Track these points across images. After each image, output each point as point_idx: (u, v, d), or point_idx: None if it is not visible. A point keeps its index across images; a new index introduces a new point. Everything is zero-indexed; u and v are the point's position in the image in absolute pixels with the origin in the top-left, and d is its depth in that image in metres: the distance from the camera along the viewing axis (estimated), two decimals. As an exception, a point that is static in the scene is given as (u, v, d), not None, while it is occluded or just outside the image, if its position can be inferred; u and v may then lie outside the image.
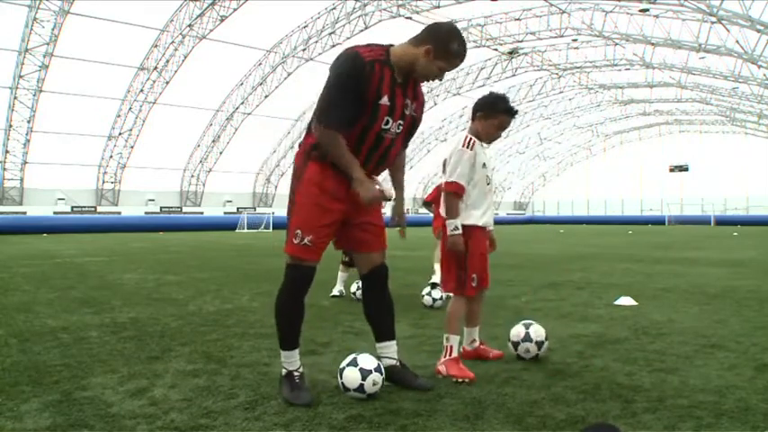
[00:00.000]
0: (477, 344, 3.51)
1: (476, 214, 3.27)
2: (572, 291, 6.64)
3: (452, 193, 3.20)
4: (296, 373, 2.77)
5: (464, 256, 3.22)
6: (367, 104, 2.64)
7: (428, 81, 2.84)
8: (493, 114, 3.24)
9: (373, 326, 3.02)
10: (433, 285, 5.63)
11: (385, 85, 2.67)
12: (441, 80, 2.87)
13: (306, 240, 2.72)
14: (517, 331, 3.43)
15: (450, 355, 3.17)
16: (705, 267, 9.49)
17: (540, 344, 3.38)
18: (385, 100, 2.67)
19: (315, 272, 2.82)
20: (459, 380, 3.01)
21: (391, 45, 2.78)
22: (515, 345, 3.42)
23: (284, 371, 2.80)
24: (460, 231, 3.18)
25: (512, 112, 3.25)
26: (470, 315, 3.46)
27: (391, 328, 3.00)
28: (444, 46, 2.68)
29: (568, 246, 16.52)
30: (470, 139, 3.25)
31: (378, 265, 2.94)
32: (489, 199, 3.35)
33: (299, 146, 2.87)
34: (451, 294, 3.36)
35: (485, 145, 3.33)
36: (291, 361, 2.80)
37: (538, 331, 3.41)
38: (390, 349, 2.97)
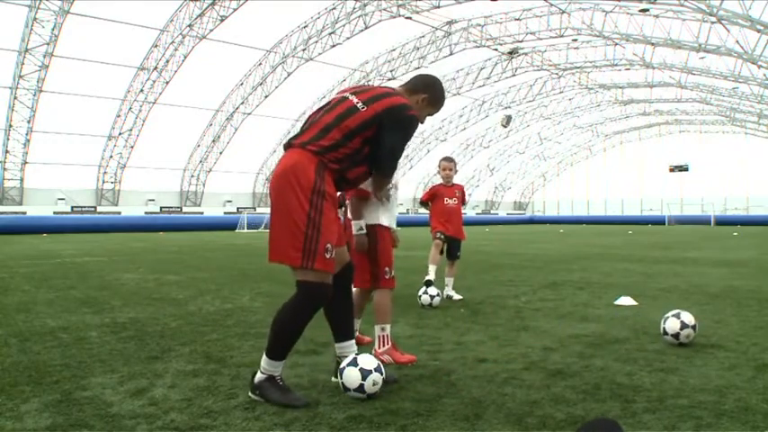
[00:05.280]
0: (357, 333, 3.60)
1: (383, 216, 3.42)
2: (572, 291, 6.64)
3: (358, 197, 3.32)
4: (277, 377, 2.73)
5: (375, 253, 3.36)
6: None
7: None
8: None
9: (337, 326, 2.99)
10: (428, 283, 5.62)
11: None
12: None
13: (333, 253, 2.72)
14: (672, 323, 3.79)
15: (387, 343, 3.30)
16: (705, 267, 9.49)
17: (694, 326, 3.78)
18: None
19: None
20: (408, 364, 3.21)
21: (394, 90, 2.97)
22: (676, 336, 3.76)
23: (264, 375, 2.73)
24: (365, 231, 3.34)
25: None
26: (358, 307, 3.54)
27: (353, 326, 3.05)
28: (438, 96, 3.06)
29: (568, 246, 16.52)
30: None
31: (348, 263, 3.00)
32: (392, 202, 3.54)
33: (311, 154, 2.70)
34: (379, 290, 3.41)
35: None
36: (276, 369, 2.74)
37: (688, 317, 3.80)
38: (352, 348, 2.98)
